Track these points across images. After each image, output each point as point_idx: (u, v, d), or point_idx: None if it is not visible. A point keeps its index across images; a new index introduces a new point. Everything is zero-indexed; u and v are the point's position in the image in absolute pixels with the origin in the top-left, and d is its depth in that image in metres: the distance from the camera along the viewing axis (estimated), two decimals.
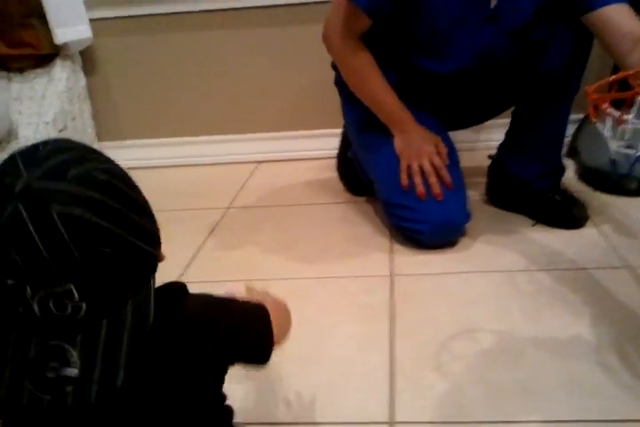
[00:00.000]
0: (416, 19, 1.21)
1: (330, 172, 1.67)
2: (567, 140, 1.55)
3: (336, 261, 1.25)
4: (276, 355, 0.95)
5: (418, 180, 1.26)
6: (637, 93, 0.74)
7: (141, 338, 0.49)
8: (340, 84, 1.39)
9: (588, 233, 1.29)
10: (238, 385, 0.89)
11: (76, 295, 0.46)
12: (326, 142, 1.77)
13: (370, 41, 1.26)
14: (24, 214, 0.43)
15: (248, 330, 0.59)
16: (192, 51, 1.85)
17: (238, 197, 1.66)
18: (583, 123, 1.69)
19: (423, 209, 1.25)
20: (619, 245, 1.22)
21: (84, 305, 0.46)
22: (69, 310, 0.46)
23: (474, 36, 1.23)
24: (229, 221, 1.51)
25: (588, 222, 1.32)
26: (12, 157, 0.48)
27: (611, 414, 0.79)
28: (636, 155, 0.82)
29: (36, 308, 0.45)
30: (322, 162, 1.78)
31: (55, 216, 0.44)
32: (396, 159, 1.30)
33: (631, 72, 0.79)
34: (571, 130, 1.59)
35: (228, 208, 1.58)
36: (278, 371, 0.92)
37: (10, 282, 0.45)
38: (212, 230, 1.45)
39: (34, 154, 0.48)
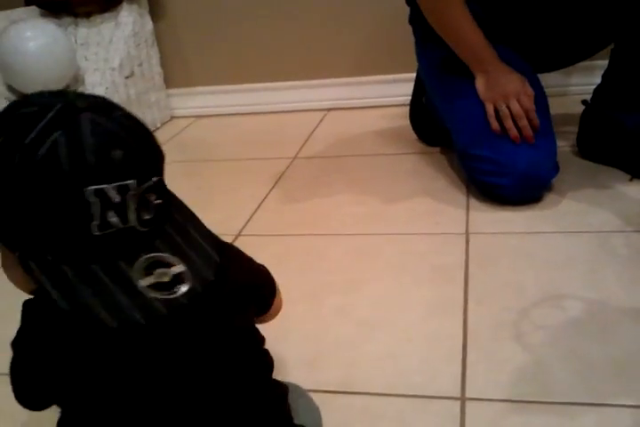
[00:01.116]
0: None
1: (402, 120, 1.56)
2: None
3: (406, 217, 1.16)
4: (339, 316, 0.90)
5: (509, 123, 1.14)
6: None
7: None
8: (416, 21, 1.26)
9: None
10: (291, 347, 0.84)
11: (156, 192, 0.49)
12: (399, 88, 1.66)
13: None
14: (100, 119, 0.46)
15: (268, 288, 0.64)
16: None
17: (305, 146, 1.58)
18: None
19: (506, 161, 1.13)
20: None
21: (160, 202, 0.49)
22: (152, 211, 0.48)
23: None
24: (295, 171, 1.44)
25: None
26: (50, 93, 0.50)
27: None
28: None
29: (132, 216, 0.47)
30: (394, 110, 1.67)
31: (122, 118, 0.48)
32: (477, 105, 1.18)
33: None
34: None
35: (295, 158, 1.51)
36: (339, 334, 0.86)
37: (93, 194, 0.45)
38: (277, 181, 1.38)
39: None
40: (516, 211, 1.13)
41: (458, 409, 0.72)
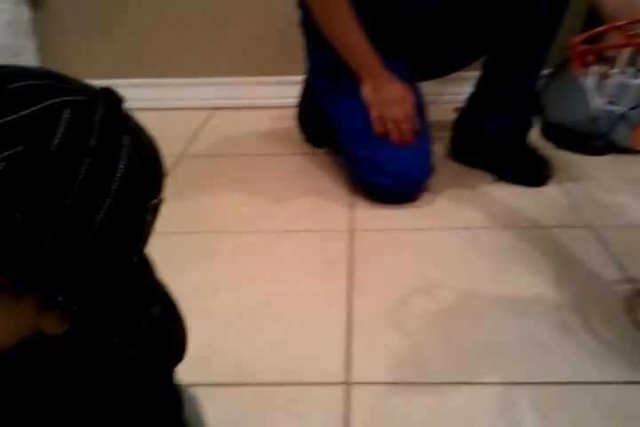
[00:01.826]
0: None
1: (290, 121, 1.59)
2: None
3: (293, 215, 1.20)
4: (229, 310, 0.91)
5: (392, 127, 1.21)
6: (626, 45, 0.69)
7: None
8: (307, 25, 1.30)
9: (550, 191, 1.26)
10: None
11: None
12: (286, 90, 1.69)
13: None
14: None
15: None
16: None
17: (192, 144, 1.57)
18: (549, 78, 1.65)
19: (387, 162, 1.20)
20: (580, 204, 1.21)
21: None
22: None
23: None
24: (182, 169, 1.43)
25: (551, 180, 1.30)
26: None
27: (572, 376, 0.78)
28: (620, 112, 0.78)
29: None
30: (282, 111, 1.69)
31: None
32: (363, 109, 1.24)
33: (618, 24, 0.74)
34: None
35: (181, 156, 1.50)
36: (228, 329, 0.88)
37: (151, 211, 0.36)
38: None
39: None
40: (395, 209, 1.20)
41: (344, 394, 0.76)
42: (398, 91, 1.24)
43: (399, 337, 0.86)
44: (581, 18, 1.58)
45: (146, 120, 0.40)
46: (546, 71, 1.57)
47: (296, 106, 1.57)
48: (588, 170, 1.34)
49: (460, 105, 1.42)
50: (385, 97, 1.23)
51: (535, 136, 1.48)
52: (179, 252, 1.08)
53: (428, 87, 1.56)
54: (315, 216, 1.19)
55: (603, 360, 0.80)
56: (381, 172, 1.20)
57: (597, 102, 0.74)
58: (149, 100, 1.82)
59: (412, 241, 1.09)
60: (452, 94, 1.76)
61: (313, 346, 0.84)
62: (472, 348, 0.83)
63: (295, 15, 1.34)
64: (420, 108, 1.29)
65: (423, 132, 1.25)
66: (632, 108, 1.12)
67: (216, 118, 1.76)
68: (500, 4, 1.22)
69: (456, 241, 1.09)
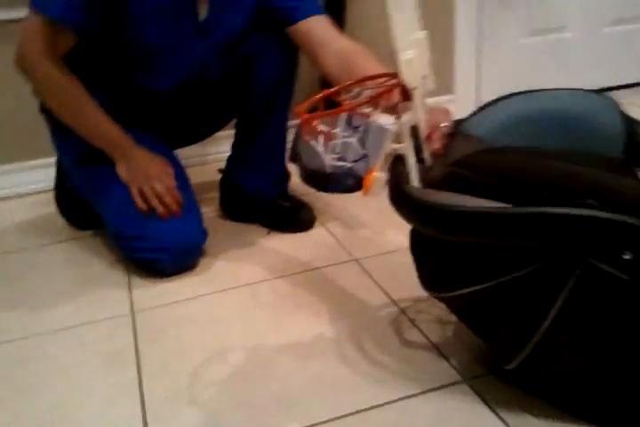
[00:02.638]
0: (127, 35, 1.16)
1: (48, 207, 1.53)
2: (289, 145, 1.63)
3: (70, 309, 1.15)
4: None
5: (155, 202, 1.22)
6: (342, 111, 0.79)
7: None
8: (47, 111, 1.27)
9: (317, 233, 1.37)
10: None
11: None
12: (38, 175, 1.62)
13: (78, 62, 1.18)
14: None
15: None
16: None
17: None
18: (300, 128, 1.80)
19: (159, 236, 1.21)
20: (344, 240, 1.32)
21: None
22: None
23: (185, 51, 1.23)
24: None
25: (317, 223, 1.40)
26: None
27: (358, 404, 0.85)
28: (347, 166, 0.88)
29: None
30: (36, 197, 1.62)
31: None
32: (122, 188, 1.24)
33: (333, 90, 0.85)
34: (290, 135, 1.69)
35: None
36: None
37: None
38: None
39: None
40: (175, 281, 1.21)
41: None
42: (154, 165, 1.26)
43: (197, 413, 0.86)
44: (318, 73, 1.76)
45: None
46: (297, 121, 1.72)
47: (53, 189, 1.50)
48: (346, 207, 1.48)
49: (221, 166, 1.48)
50: (142, 174, 1.25)
51: (298, 183, 1.60)
52: None
53: (191, 150, 1.61)
54: (93, 306, 1.15)
55: (381, 383, 0.88)
56: (155, 247, 1.20)
57: (328, 160, 0.83)
58: None
59: (196, 310, 1.11)
60: (215, 154, 1.84)
61: None
62: (268, 403, 0.86)
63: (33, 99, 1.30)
64: (181, 175, 1.32)
65: (188, 199, 1.28)
66: (355, 161, 1.27)
67: None
68: (230, 79, 1.31)
69: (237, 300, 1.13)
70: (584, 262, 0.67)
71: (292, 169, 1.49)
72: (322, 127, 0.88)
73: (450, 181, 0.81)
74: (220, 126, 1.51)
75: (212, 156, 1.87)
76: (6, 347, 1.05)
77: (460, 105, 2.07)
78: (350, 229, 1.38)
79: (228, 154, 1.47)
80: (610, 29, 2.18)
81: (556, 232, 0.66)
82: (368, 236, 1.33)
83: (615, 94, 2.13)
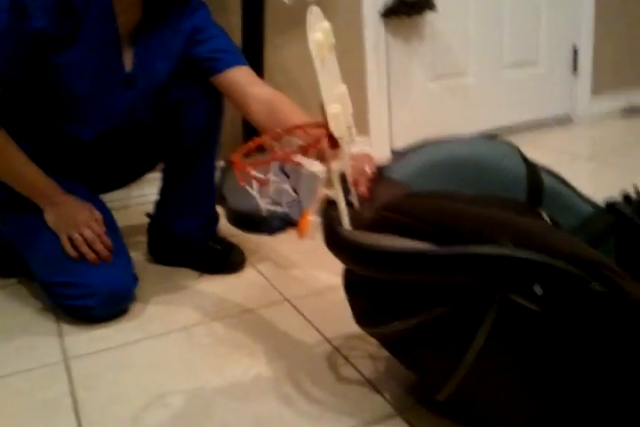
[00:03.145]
0: (52, 85, 1.18)
1: None
2: None
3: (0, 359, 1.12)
4: None
5: (85, 249, 1.22)
6: (276, 159, 0.85)
7: None
8: None
9: (248, 274, 1.41)
10: None
11: None
12: None
13: (1, 109, 1.18)
14: None
15: None
16: None
17: None
18: (226, 170, 1.85)
19: (89, 283, 1.20)
20: (275, 280, 1.37)
21: None
22: None
23: (112, 100, 1.25)
24: None
25: (247, 264, 1.44)
26: None
27: None
28: (282, 210, 0.93)
29: None
30: None
31: None
32: (51, 236, 1.23)
33: (264, 138, 0.91)
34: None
35: None
36: None
37: None
38: None
39: None
40: (107, 326, 1.21)
41: None
42: (81, 212, 1.26)
43: None
44: (240, 117, 1.82)
45: None
46: (221, 164, 1.76)
47: None
48: (274, 248, 1.53)
49: (146, 209, 1.50)
50: (71, 221, 1.24)
51: (225, 225, 1.64)
52: None
53: (115, 193, 1.61)
54: (23, 355, 1.13)
55: (319, 420, 0.92)
56: (85, 293, 1.20)
57: (263, 204, 0.88)
58: None
59: (132, 355, 1.11)
60: (139, 197, 1.85)
61: None
62: None
63: None
64: (110, 220, 1.33)
65: (118, 245, 1.29)
66: (289, 206, 1.33)
67: None
68: (158, 126, 1.35)
69: (174, 344, 1.14)
70: (502, 297, 0.75)
71: (219, 211, 1.52)
72: (255, 173, 0.93)
73: (379, 224, 0.88)
74: (146, 171, 1.53)
75: (135, 198, 1.88)
76: None
77: (375, 147, 2.21)
78: (281, 269, 1.42)
79: (155, 197, 1.49)
80: (507, 72, 2.40)
81: (474, 269, 0.74)
82: (298, 276, 1.38)
83: (514, 133, 2.34)
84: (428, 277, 0.77)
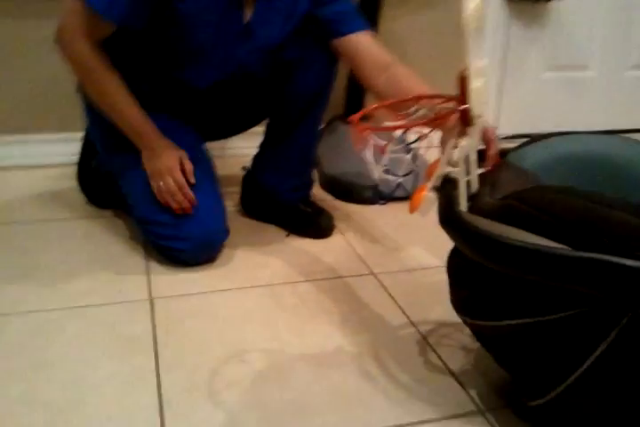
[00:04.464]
0: (172, 33, 1.16)
1: (69, 181, 1.51)
2: None
3: (85, 288, 1.13)
4: (25, 404, 0.82)
5: (167, 197, 1.20)
6: (400, 127, 0.80)
7: None
8: (83, 90, 1.25)
9: (335, 241, 1.37)
10: None
11: None
12: (64, 147, 1.60)
13: (121, 50, 1.18)
14: None
15: None
16: None
17: None
18: (322, 134, 1.80)
19: (184, 226, 1.20)
20: (362, 251, 1.32)
21: None
22: None
23: (228, 51, 1.23)
24: None
25: (336, 231, 1.41)
26: None
27: (375, 422, 0.85)
28: (397, 181, 0.88)
29: None
30: (59, 170, 1.60)
31: None
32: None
33: (388, 102, 0.85)
34: None
35: None
36: (25, 422, 0.80)
37: None
38: None
39: None
40: (194, 271, 1.20)
41: None
42: (170, 161, 1.23)
43: (213, 409, 0.85)
44: (344, 81, 1.77)
45: None
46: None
47: (76, 164, 1.49)
48: (366, 217, 1.48)
49: (243, 162, 1.48)
50: (158, 168, 1.22)
51: (316, 189, 1.60)
52: None
53: (215, 142, 1.60)
54: (109, 287, 1.14)
55: (398, 404, 0.88)
56: (177, 236, 1.19)
57: (377, 172, 0.84)
58: None
59: (215, 304, 1.10)
60: (234, 148, 1.84)
61: None
62: (283, 410, 0.86)
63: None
64: (206, 169, 1.31)
65: (214, 195, 1.27)
66: (405, 175, 1.28)
67: None
68: (270, 82, 1.31)
69: (257, 300, 1.12)
70: (633, 313, 0.68)
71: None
72: (376, 138, 0.88)
73: (505, 213, 0.82)
74: (252, 124, 1.50)
75: (230, 150, 1.87)
76: (21, 318, 1.03)
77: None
78: (370, 240, 1.38)
79: (249, 151, 1.46)
80: (632, 73, 2.23)
81: (610, 281, 0.67)
82: (387, 250, 1.34)
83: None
84: (555, 281, 0.70)
